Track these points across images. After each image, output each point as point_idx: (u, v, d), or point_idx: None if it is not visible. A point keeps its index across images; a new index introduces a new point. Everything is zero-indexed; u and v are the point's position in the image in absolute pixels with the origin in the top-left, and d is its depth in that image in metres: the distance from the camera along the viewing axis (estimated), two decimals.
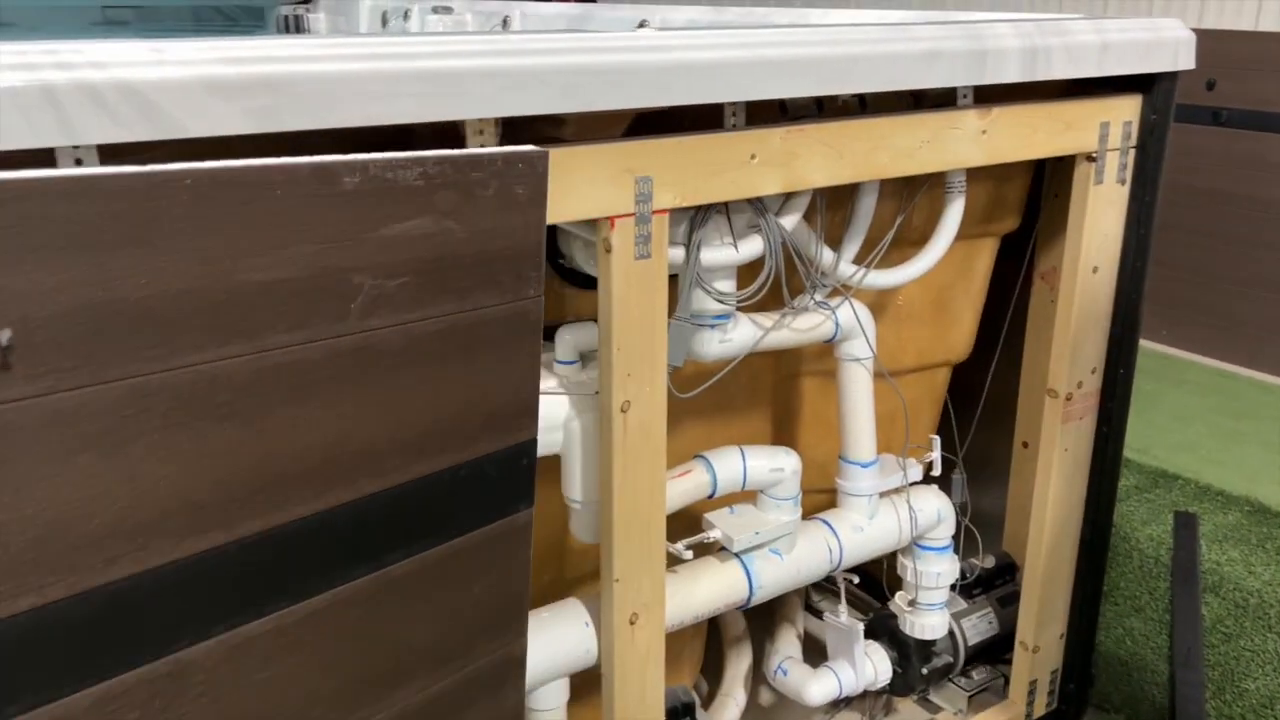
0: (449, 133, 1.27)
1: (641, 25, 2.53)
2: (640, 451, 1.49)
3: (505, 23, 3.03)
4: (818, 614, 2.47)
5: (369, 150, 1.06)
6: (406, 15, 3.21)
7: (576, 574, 1.98)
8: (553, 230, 1.66)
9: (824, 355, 2.08)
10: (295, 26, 3.59)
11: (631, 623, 1.57)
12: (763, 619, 2.39)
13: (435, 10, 3.17)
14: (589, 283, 1.73)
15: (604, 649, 1.59)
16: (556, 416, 1.57)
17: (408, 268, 1.09)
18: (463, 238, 1.13)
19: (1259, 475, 3.64)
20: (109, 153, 1.06)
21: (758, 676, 2.37)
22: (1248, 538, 3.23)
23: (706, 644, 2.29)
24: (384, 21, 3.34)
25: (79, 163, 1.05)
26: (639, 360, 1.45)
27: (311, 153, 1.02)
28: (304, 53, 1.07)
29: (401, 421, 1.14)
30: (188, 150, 1.05)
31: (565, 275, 1.69)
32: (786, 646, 2.25)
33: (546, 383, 1.59)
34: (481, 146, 1.29)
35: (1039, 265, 2.19)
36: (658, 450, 1.52)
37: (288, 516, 1.07)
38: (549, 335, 1.66)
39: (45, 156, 1.03)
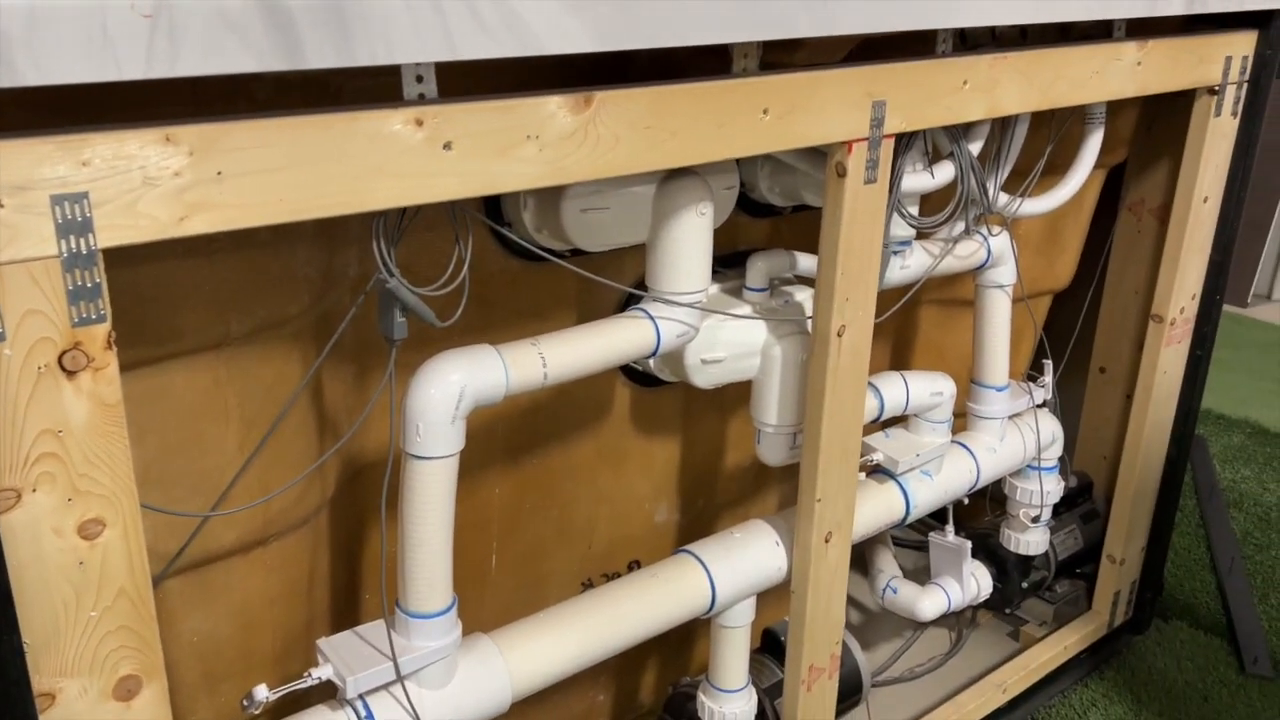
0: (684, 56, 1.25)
1: None
2: (849, 375, 1.53)
3: None
4: None
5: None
6: None
7: (723, 500, 2.02)
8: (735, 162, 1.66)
9: (941, 284, 2.14)
10: None
11: (826, 541, 1.62)
12: None
13: None
14: (762, 212, 1.75)
15: (798, 566, 1.64)
16: (754, 342, 1.60)
17: None
18: None
19: (1249, 400, 3.89)
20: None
21: None
22: (1254, 457, 3.46)
23: None
24: None
25: (419, 79, 1.02)
26: (857, 284, 1.48)
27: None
28: None
29: None
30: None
31: (742, 206, 1.71)
32: (889, 567, 2.33)
33: (739, 309, 1.61)
34: (744, 71, 1.30)
35: (1127, 197, 2.28)
36: (862, 375, 1.55)
37: None
38: (733, 263, 1.68)
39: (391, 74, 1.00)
